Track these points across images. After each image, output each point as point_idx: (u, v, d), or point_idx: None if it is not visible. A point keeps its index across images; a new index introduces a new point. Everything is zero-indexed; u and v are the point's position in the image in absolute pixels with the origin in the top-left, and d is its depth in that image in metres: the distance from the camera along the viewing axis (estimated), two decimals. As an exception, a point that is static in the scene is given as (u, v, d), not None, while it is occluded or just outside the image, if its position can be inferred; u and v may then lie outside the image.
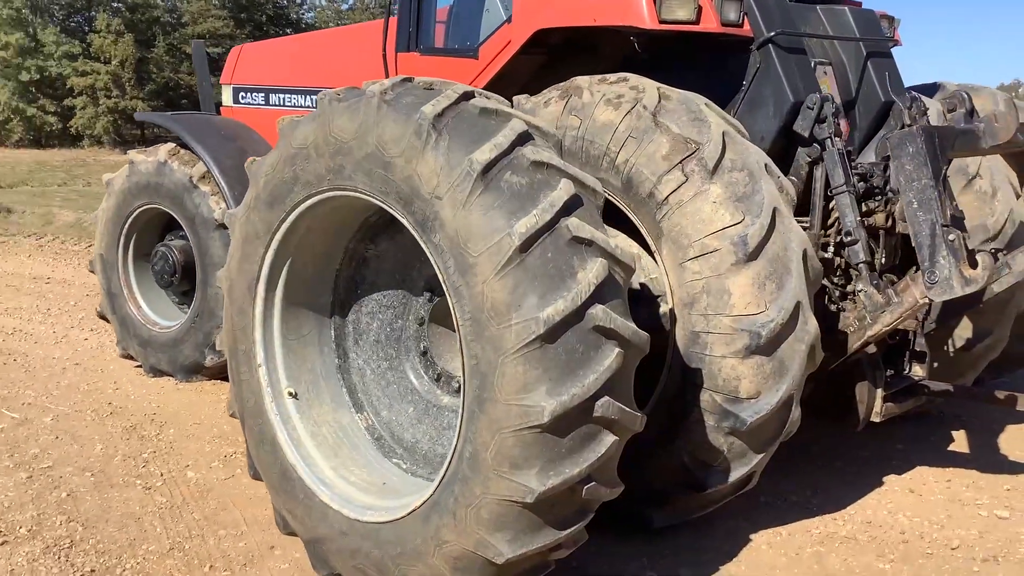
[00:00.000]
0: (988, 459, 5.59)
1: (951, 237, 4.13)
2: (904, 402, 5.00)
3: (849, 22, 5.36)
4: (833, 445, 5.70)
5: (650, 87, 4.34)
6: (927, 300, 4.26)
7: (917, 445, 5.78)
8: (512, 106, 4.62)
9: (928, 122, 5.01)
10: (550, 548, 3.46)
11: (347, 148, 3.63)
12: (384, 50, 6.05)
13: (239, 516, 4.80)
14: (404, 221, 3.51)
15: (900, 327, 4.79)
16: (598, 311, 3.23)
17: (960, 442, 5.88)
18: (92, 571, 4.22)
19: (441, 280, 3.40)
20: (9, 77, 34.97)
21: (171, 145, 7.10)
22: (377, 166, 3.53)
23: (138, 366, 7.35)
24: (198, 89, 8.48)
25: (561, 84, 4.62)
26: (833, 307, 4.73)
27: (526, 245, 3.19)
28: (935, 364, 5.70)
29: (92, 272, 7.86)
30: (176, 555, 4.40)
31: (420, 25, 5.95)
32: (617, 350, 3.29)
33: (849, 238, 4.58)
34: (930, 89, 6.80)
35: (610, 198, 4.35)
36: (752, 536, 4.53)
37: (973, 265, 4.11)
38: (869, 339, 4.56)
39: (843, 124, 5.11)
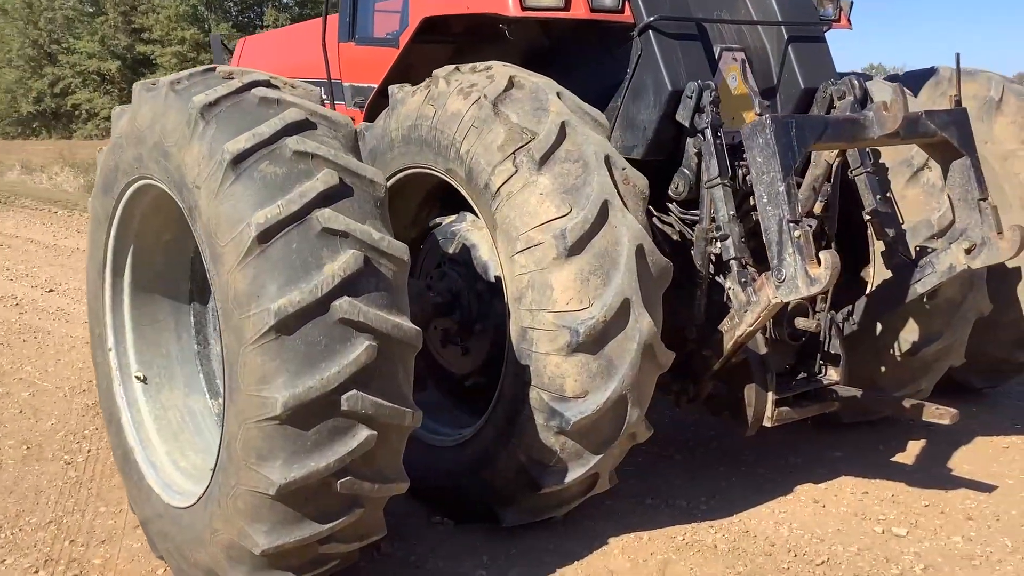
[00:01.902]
0: (927, 473, 5.20)
1: (797, 234, 3.86)
2: (806, 407, 4.72)
3: (771, 5, 5.07)
4: (766, 450, 5.43)
5: (501, 76, 4.22)
6: (780, 301, 4.00)
7: (857, 453, 5.44)
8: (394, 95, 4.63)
9: (853, 108, 4.71)
10: (317, 541, 3.43)
11: (143, 137, 3.69)
12: (324, 40, 6.11)
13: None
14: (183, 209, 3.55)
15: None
16: (344, 303, 3.18)
17: (910, 453, 5.49)
18: (-33, 538, 4.44)
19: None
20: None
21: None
22: (161, 155, 3.58)
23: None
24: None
25: (436, 74, 4.56)
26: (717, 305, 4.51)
27: (266, 235, 3.16)
28: (882, 368, 5.38)
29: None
30: (51, 528, 4.58)
31: (356, 15, 5.98)
32: (368, 343, 3.23)
33: (719, 233, 4.35)
34: (925, 74, 6.39)
35: (459, 189, 4.29)
36: (610, 539, 4.37)
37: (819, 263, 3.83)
38: (739, 340, 4.32)
39: (756, 112, 4.87)
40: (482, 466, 4.30)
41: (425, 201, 4.91)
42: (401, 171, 4.61)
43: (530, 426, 4.03)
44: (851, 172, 5.03)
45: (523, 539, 4.35)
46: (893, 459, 5.41)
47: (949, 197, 4.69)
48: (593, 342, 3.86)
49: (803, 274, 3.83)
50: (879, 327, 5.36)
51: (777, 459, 5.37)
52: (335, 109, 5.94)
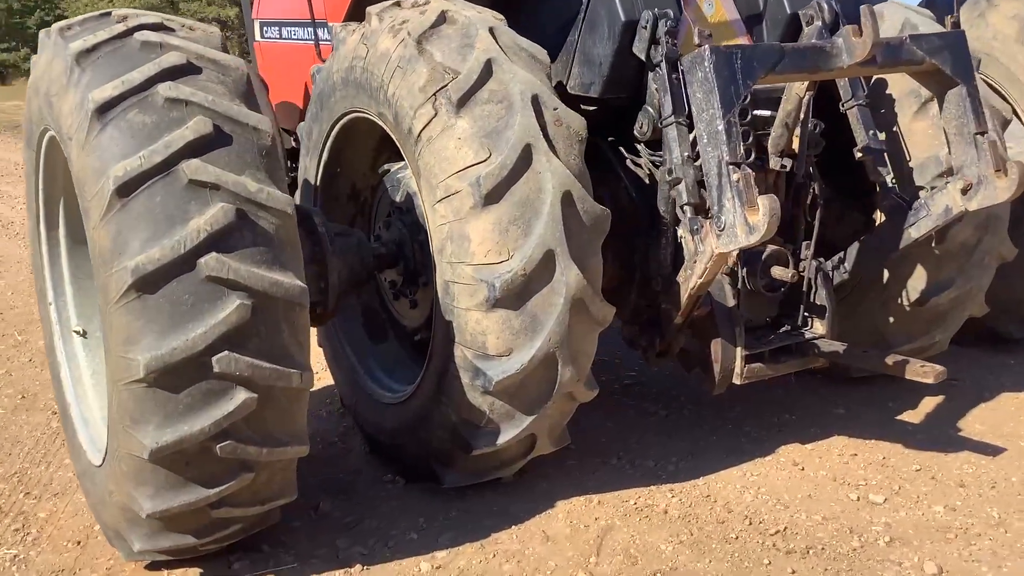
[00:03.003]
0: (931, 433, 4.79)
1: (735, 177, 3.49)
2: (783, 362, 4.35)
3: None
4: (760, 406, 5.09)
5: (433, 11, 3.93)
6: (723, 251, 3.64)
7: (860, 410, 5.04)
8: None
9: (821, 35, 4.27)
10: (207, 505, 3.32)
11: (39, 86, 3.59)
12: None
13: (95, 447, 4.95)
14: (70, 163, 3.42)
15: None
16: (211, 260, 3.02)
17: (920, 409, 5.06)
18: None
19: (88, 225, 3.30)
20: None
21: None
22: (48, 105, 3.46)
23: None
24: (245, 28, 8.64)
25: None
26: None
27: (126, 189, 3.02)
28: (889, 320, 4.97)
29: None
30: (12, 480, 4.60)
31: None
32: (239, 302, 3.06)
33: (671, 176, 4.00)
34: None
35: (390, 134, 4.05)
36: (559, 502, 4.14)
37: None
38: (691, 293, 3.98)
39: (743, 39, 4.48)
40: (420, 425, 4.12)
41: (380, 146, 4.67)
42: (344, 115, 4.39)
43: (457, 385, 3.81)
44: (842, 105, 4.58)
45: (467, 500, 4.16)
46: (899, 416, 4.99)
47: (945, 131, 4.21)
48: (514, 297, 3.60)
49: (742, 222, 3.47)
50: (886, 275, 4.93)
51: (770, 416, 5.02)
52: (320, 51, 5.72)
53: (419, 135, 3.75)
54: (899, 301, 4.92)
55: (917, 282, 4.85)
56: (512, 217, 3.58)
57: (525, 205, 3.59)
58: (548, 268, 3.61)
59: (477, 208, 3.58)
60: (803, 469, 4.43)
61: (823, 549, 3.74)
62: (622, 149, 4.57)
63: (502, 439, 3.86)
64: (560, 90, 4.45)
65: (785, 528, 3.89)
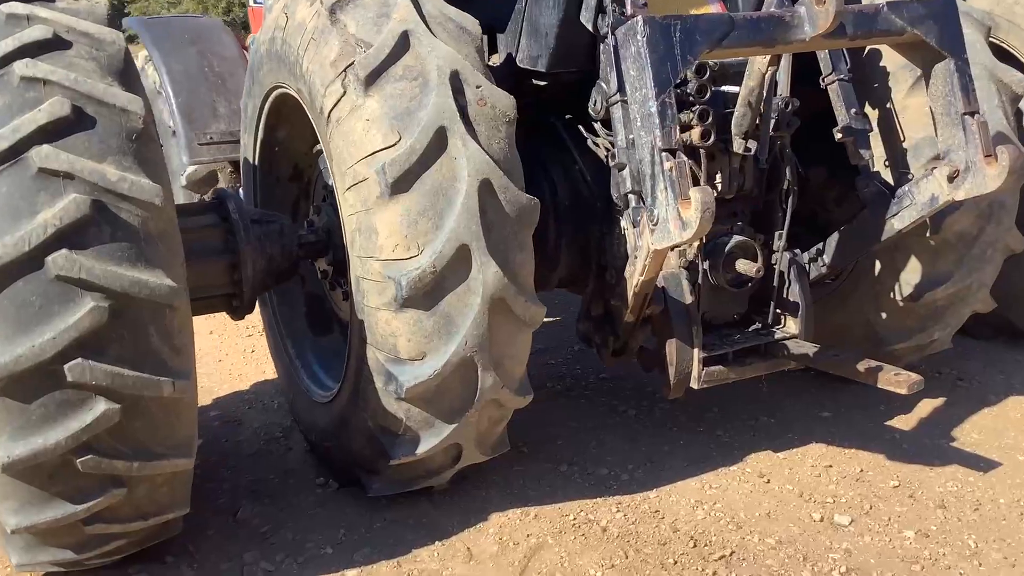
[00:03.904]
0: (920, 442, 4.36)
1: (668, 166, 3.10)
2: (748, 365, 3.94)
3: None
4: (738, 407, 4.69)
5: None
6: (658, 248, 3.25)
7: (848, 413, 4.63)
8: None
9: (782, 3, 3.81)
10: (80, 521, 3.05)
11: None
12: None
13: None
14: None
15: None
16: (61, 258, 2.73)
17: (915, 414, 4.62)
18: None
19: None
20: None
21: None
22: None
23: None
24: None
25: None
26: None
27: (-34, 179, 2.72)
28: (881, 315, 4.54)
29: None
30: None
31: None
32: (94, 304, 2.77)
33: (615, 161, 3.61)
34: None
35: (310, 114, 3.72)
36: (493, 515, 3.81)
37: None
38: (635, 290, 3.61)
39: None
40: (342, 429, 3.81)
41: (319, 124, 4.33)
42: (272, 91, 4.06)
43: (372, 390, 3.49)
44: (822, 80, 4.13)
45: (396, 509, 3.86)
46: (888, 422, 4.56)
47: (931, 111, 3.76)
48: (424, 296, 3.26)
49: (675, 216, 3.08)
50: (877, 266, 4.49)
51: (748, 418, 4.63)
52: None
53: (329, 115, 3.41)
54: (891, 295, 4.49)
55: (910, 275, 4.41)
56: (422, 208, 3.22)
57: (437, 195, 3.23)
58: (462, 265, 3.25)
59: (384, 198, 3.23)
60: (768, 482, 4.04)
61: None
62: (581, 128, 4.17)
63: (422, 448, 3.54)
64: (511, 64, 4.09)
65: (732, 553, 3.52)
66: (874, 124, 4.29)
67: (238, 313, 3.98)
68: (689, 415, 4.66)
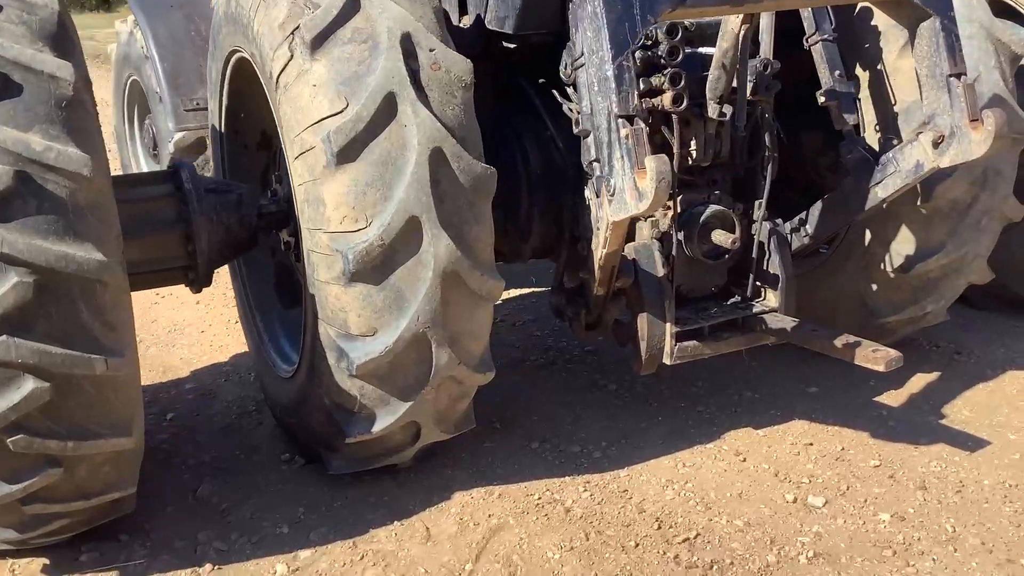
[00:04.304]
0: (908, 420, 4.20)
1: (624, 133, 2.94)
2: (724, 340, 3.78)
3: None
4: (725, 380, 4.56)
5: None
6: (617, 219, 3.10)
7: (836, 389, 4.47)
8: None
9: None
10: (17, 501, 2.98)
11: None
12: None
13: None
14: None
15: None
16: (-21, 232, 2.62)
17: (905, 390, 4.46)
18: None
19: None
20: None
21: (135, 16, 6.92)
22: None
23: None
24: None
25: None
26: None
27: None
28: (872, 287, 4.38)
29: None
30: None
31: None
32: (18, 280, 2.66)
33: (579, 128, 3.45)
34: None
35: (261, 79, 3.58)
36: (456, 494, 3.70)
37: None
38: (601, 263, 3.46)
39: None
40: (301, 405, 3.71)
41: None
42: (231, 54, 3.92)
43: (325, 366, 3.38)
44: (806, 41, 3.95)
45: (358, 487, 3.76)
46: (877, 398, 4.40)
47: (916, 73, 3.56)
48: (373, 270, 3.13)
49: (631, 186, 2.93)
50: (867, 236, 4.32)
51: (732, 393, 4.48)
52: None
53: (277, 80, 3.27)
54: (882, 266, 4.33)
55: (901, 246, 4.24)
56: (370, 178, 3.09)
57: (386, 164, 3.09)
58: (413, 237, 3.12)
59: (331, 168, 3.09)
60: (744, 460, 3.90)
61: (731, 564, 3.23)
62: (555, 93, 4.00)
63: (378, 426, 3.42)
64: (480, 26, 3.92)
65: (696, 536, 3.39)
66: (864, 87, 4.11)
67: (195, 286, 3.87)
68: (673, 390, 4.52)
